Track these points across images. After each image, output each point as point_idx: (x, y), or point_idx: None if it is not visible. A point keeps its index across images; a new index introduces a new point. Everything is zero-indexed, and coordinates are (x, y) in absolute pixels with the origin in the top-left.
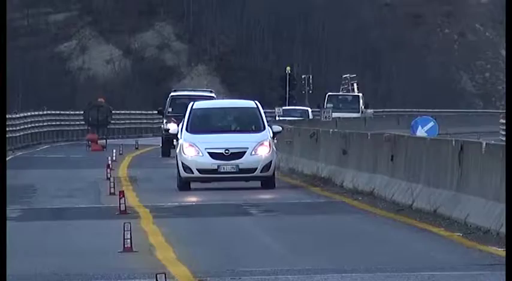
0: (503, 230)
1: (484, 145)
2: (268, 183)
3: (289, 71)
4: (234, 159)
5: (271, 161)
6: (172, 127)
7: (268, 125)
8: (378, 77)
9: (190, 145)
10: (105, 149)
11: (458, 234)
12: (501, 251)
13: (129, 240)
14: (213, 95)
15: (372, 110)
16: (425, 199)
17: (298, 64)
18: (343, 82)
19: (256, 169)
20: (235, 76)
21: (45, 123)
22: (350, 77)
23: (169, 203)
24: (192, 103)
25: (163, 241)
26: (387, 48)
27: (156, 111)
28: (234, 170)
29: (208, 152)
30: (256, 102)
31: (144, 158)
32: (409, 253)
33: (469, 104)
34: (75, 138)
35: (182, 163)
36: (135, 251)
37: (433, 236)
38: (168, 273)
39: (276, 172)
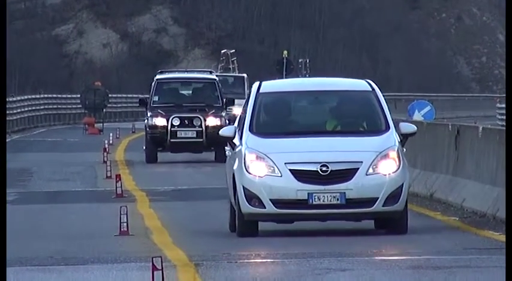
0: (499, 214)
1: (480, 129)
2: (395, 224)
3: (286, 55)
4: (337, 182)
5: (402, 186)
6: (160, 123)
7: (394, 123)
8: (375, 61)
9: (259, 157)
10: (101, 133)
11: (455, 218)
12: (497, 236)
13: (125, 224)
14: (213, 76)
15: None
16: (421, 183)
17: (295, 47)
18: (221, 59)
19: (376, 199)
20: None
21: (42, 107)
22: (230, 53)
23: (165, 187)
24: (258, 84)
25: (159, 224)
26: (384, 33)
27: (138, 101)
28: (338, 202)
29: (292, 170)
30: (371, 82)
31: (141, 142)
32: (405, 237)
33: (465, 88)
34: (71, 122)
35: (244, 189)
36: (131, 235)
37: (430, 221)
38: (164, 257)
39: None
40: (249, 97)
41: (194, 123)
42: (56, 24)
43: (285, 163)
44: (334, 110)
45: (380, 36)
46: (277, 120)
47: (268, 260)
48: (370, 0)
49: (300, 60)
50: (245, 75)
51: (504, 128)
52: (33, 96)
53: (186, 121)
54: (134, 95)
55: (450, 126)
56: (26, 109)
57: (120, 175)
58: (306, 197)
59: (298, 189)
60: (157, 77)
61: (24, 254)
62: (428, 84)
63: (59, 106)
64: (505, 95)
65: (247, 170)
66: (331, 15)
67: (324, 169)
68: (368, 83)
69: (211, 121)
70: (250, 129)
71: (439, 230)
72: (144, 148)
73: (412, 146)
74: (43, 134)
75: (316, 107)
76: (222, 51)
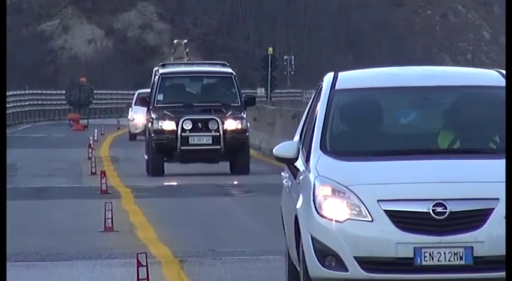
0: None
1: None
2: None
3: (271, 52)
4: (459, 230)
5: None
6: (168, 127)
7: None
8: (360, 58)
9: (338, 192)
10: (86, 129)
11: None
12: None
13: (110, 220)
14: (229, 70)
15: None
16: None
17: (280, 45)
18: (173, 51)
19: None
20: (218, 56)
21: (26, 103)
22: (184, 43)
23: (150, 183)
24: (331, 76)
25: (144, 220)
26: (369, 30)
27: (138, 101)
28: (461, 262)
29: (389, 212)
30: (502, 72)
31: (125, 138)
32: None
33: None
34: (56, 118)
35: (314, 241)
36: (116, 231)
37: None
38: (149, 253)
39: None
40: (317, 96)
41: (210, 126)
42: (41, 20)
43: (378, 201)
44: (450, 117)
45: (365, 33)
46: (364, 132)
47: (253, 256)
48: None
49: (285, 58)
50: None
51: None
52: (18, 92)
53: (199, 124)
54: (119, 92)
55: None
56: (11, 105)
57: (105, 171)
58: (412, 255)
59: (399, 242)
60: (161, 71)
61: (9, 250)
62: None
63: (44, 102)
64: None
65: (318, 212)
66: (316, 12)
67: (439, 209)
68: (502, 74)
69: (231, 124)
70: (322, 147)
71: None
72: (146, 157)
73: None
74: (28, 130)
75: (424, 111)
76: (175, 41)
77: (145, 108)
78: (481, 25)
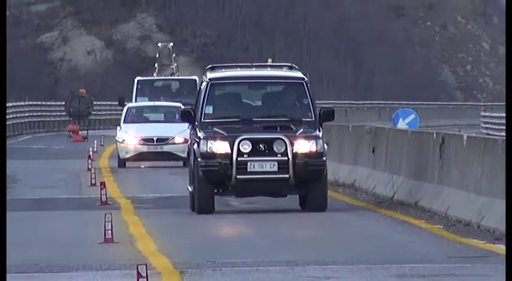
0: (483, 222)
1: (465, 137)
2: None
3: (271, 63)
4: None
5: None
6: (220, 149)
7: None
8: (360, 69)
9: None
10: (86, 140)
11: (439, 226)
12: (482, 244)
13: (110, 231)
14: (299, 74)
15: None
16: (406, 191)
17: (280, 55)
18: (157, 55)
19: None
20: None
21: (26, 114)
22: (171, 47)
23: (150, 195)
24: None
25: (144, 232)
26: (369, 41)
27: (180, 115)
28: None
29: None
30: None
31: None
32: (389, 245)
33: (450, 96)
34: (56, 129)
35: None
36: (115, 242)
37: (414, 229)
38: (149, 264)
39: None
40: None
41: (275, 149)
42: (40, 31)
43: None
44: None
45: (364, 44)
46: None
47: (253, 267)
48: (355, 9)
49: None
50: (196, 78)
51: (488, 136)
52: (18, 103)
53: (261, 146)
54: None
55: (435, 135)
56: (11, 116)
57: (104, 182)
58: None
59: None
60: (210, 76)
61: (9, 262)
62: (413, 93)
63: (44, 113)
64: (489, 103)
65: None
66: (315, 23)
67: None
68: None
69: (303, 146)
70: None
71: (424, 238)
72: (190, 189)
73: (397, 154)
74: (27, 141)
75: None
76: (159, 44)
77: (140, 126)
78: (480, 36)
